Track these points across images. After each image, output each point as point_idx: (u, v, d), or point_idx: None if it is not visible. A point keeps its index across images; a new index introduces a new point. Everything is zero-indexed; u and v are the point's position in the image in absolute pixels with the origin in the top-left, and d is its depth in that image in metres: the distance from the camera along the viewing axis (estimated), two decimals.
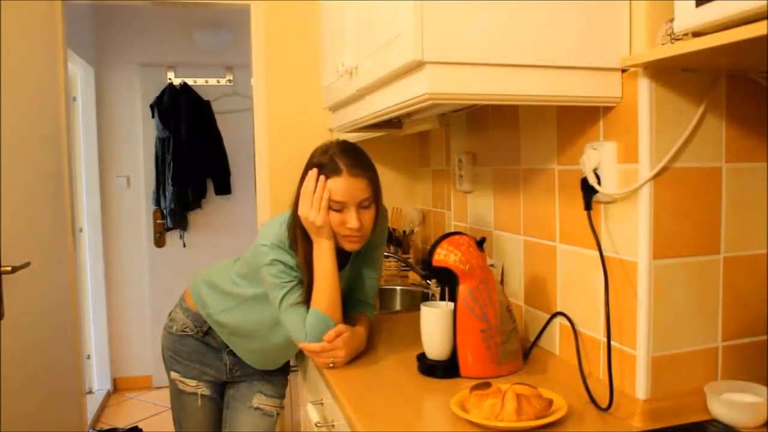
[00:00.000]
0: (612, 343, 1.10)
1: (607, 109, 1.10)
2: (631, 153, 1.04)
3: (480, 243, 1.31)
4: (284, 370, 1.77)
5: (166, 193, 3.83)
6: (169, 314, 1.71)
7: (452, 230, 1.59)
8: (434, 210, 2.40)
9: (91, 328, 3.81)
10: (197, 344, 1.64)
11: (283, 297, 1.38)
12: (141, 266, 3.95)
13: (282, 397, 1.75)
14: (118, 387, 3.97)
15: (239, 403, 1.69)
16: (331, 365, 1.34)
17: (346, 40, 1.45)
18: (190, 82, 3.89)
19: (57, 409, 2.18)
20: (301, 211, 1.36)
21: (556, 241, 1.28)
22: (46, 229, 2.14)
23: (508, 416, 0.98)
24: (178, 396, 1.69)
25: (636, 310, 1.04)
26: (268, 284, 1.41)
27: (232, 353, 1.65)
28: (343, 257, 1.46)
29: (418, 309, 1.31)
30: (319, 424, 1.42)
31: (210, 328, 1.63)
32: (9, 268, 1.68)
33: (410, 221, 2.51)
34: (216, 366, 1.67)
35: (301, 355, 1.71)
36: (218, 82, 3.99)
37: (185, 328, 1.64)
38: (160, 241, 3.96)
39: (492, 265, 1.51)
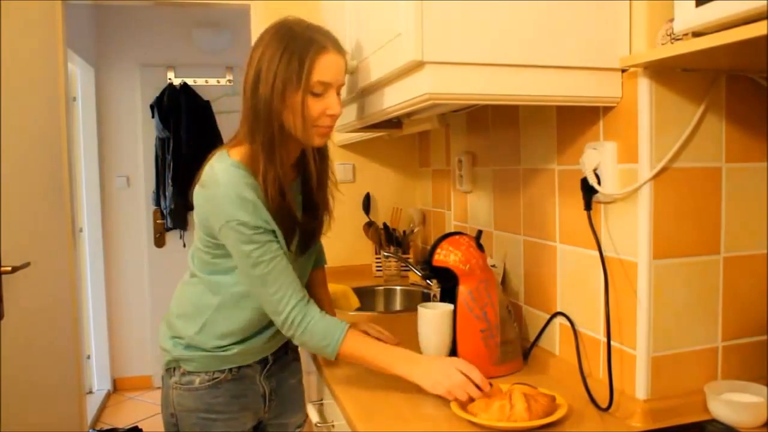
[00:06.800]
0: (612, 343, 1.10)
1: (607, 109, 1.10)
2: (631, 153, 1.04)
3: (477, 238, 1.31)
4: (298, 370, 1.51)
5: (166, 193, 3.83)
6: (170, 373, 1.31)
7: (452, 230, 1.59)
8: (434, 210, 2.40)
9: (91, 328, 3.81)
10: (233, 385, 1.30)
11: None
12: (141, 266, 3.95)
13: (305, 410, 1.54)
14: (118, 387, 3.97)
15: None
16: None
17: (346, 41, 1.45)
18: (190, 82, 3.89)
19: (57, 409, 2.18)
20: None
21: (556, 241, 1.28)
22: (46, 229, 2.14)
23: (520, 416, 0.98)
24: None
25: (636, 310, 1.04)
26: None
27: (265, 375, 1.36)
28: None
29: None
30: (319, 424, 1.42)
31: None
32: (9, 268, 1.68)
33: (410, 221, 2.51)
34: (255, 401, 1.35)
35: None
36: (218, 82, 3.99)
37: (215, 371, 1.28)
38: (160, 241, 3.96)
39: (493, 266, 1.51)
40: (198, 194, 1.21)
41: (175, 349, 1.29)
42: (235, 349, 1.28)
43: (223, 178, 1.14)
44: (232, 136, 1.24)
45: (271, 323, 1.26)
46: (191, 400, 1.28)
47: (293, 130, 1.17)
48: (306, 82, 1.12)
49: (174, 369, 1.30)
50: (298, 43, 1.13)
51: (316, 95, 1.15)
